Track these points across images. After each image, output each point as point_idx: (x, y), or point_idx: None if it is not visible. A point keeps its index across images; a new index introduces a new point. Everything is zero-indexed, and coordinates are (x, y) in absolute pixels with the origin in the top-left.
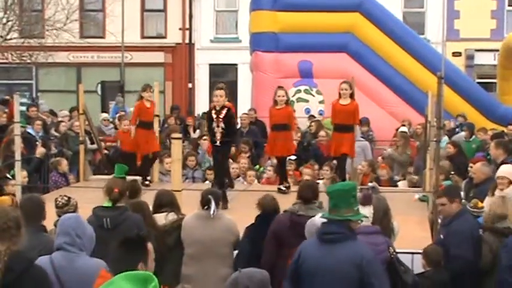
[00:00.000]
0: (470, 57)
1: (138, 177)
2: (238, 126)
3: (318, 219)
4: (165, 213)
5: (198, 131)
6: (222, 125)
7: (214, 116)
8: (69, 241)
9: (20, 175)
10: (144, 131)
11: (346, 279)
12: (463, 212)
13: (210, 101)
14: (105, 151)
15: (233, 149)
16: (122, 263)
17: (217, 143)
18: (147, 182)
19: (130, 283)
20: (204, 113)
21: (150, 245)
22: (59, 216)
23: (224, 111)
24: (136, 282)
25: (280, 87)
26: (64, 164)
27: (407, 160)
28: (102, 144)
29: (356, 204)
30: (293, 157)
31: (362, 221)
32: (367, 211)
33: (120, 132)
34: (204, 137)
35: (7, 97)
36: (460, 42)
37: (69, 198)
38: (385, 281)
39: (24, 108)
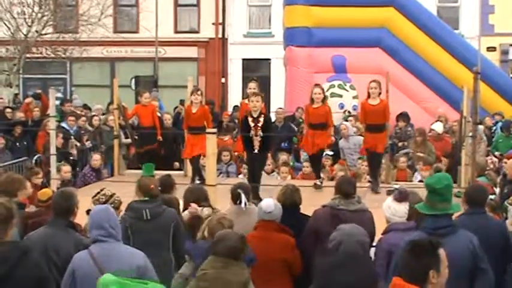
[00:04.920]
0: (505, 52)
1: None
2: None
3: (264, 204)
4: (200, 208)
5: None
6: (260, 133)
7: (252, 123)
8: (105, 233)
9: (55, 168)
10: (192, 136)
11: (464, 269)
12: None
13: (243, 96)
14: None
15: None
16: (412, 268)
17: (256, 151)
18: (198, 182)
19: None
20: (236, 106)
21: (442, 252)
22: None
23: (262, 119)
24: None
25: (317, 85)
26: (96, 159)
27: (434, 160)
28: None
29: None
30: (330, 152)
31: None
32: (403, 208)
33: (139, 106)
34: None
35: (39, 91)
36: (495, 37)
37: (100, 190)
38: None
39: (58, 102)
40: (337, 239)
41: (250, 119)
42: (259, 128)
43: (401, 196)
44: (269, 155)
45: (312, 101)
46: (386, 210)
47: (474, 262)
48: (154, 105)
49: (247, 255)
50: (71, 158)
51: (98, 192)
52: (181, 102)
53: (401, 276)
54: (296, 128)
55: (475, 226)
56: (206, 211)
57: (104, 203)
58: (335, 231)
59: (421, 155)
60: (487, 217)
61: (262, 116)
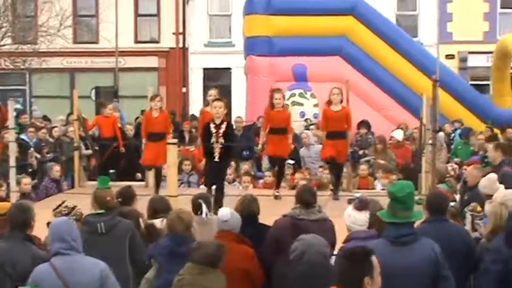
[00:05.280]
0: (463, 60)
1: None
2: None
3: (220, 213)
4: (160, 219)
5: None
6: (221, 140)
7: (213, 130)
8: (66, 246)
9: (15, 181)
10: (153, 143)
11: (426, 277)
12: None
13: (204, 104)
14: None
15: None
16: (348, 276)
17: (216, 159)
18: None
19: None
20: (193, 115)
21: (375, 259)
22: None
23: (224, 126)
24: None
25: (277, 90)
26: (56, 170)
27: (394, 167)
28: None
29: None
30: (291, 161)
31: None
32: (363, 216)
33: (100, 117)
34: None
35: None
36: (453, 44)
37: (62, 203)
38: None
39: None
40: (298, 249)
41: (212, 126)
42: (220, 135)
43: (361, 205)
44: (231, 163)
45: (272, 105)
46: (347, 218)
47: (436, 270)
48: (115, 116)
49: None
50: (30, 169)
51: (60, 205)
52: (143, 112)
53: (338, 284)
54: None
55: (437, 233)
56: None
57: (66, 215)
58: (296, 242)
59: (382, 162)
60: (448, 224)
61: (225, 123)
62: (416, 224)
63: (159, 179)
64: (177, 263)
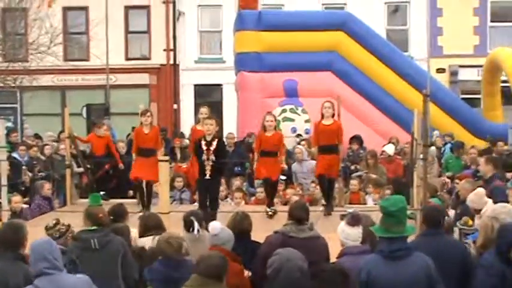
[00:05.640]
0: (454, 74)
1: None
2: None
3: (211, 227)
4: (151, 237)
5: None
6: (212, 157)
7: (204, 147)
8: (50, 265)
9: (6, 200)
10: (143, 158)
11: None
12: None
13: (195, 121)
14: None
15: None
16: None
17: (207, 177)
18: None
19: None
20: (181, 132)
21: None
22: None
23: (215, 143)
24: None
25: (269, 113)
26: (47, 188)
27: (385, 181)
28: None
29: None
30: (283, 177)
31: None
32: (356, 231)
33: (94, 136)
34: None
35: None
36: (444, 58)
37: (57, 222)
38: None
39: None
40: (275, 264)
41: (203, 143)
42: (211, 152)
43: (353, 220)
44: (222, 181)
45: (265, 128)
46: (340, 234)
47: (429, 284)
48: (109, 135)
49: None
50: (23, 188)
51: (54, 226)
52: (133, 129)
53: None
54: (248, 154)
55: (433, 246)
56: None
57: (63, 234)
58: (273, 256)
59: (373, 176)
60: (444, 237)
61: (216, 140)
62: (412, 237)
63: (150, 195)
64: None
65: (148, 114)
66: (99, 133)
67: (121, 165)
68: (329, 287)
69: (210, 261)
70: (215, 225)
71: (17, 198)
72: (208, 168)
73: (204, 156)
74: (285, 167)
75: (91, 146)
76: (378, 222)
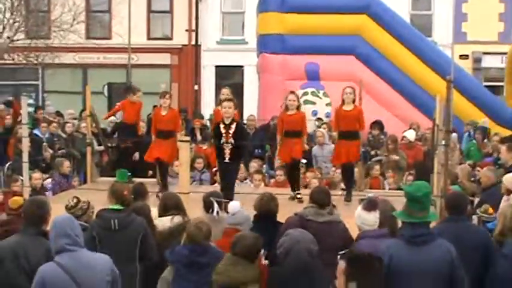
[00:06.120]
0: (477, 60)
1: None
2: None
3: (230, 205)
4: (170, 217)
5: None
6: (231, 140)
7: (223, 130)
8: (71, 242)
9: (28, 177)
10: (160, 140)
11: (441, 277)
12: None
13: (216, 103)
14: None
15: (242, 166)
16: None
17: (226, 160)
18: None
19: None
20: (200, 113)
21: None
22: None
23: (234, 126)
24: None
25: (291, 92)
26: (66, 165)
27: (405, 166)
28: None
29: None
30: (303, 160)
31: None
32: (372, 216)
33: (127, 102)
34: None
35: (11, 98)
36: (468, 44)
37: (78, 201)
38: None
39: (30, 109)
40: (284, 245)
41: (221, 126)
42: (230, 136)
43: (370, 205)
44: (242, 165)
45: (287, 108)
46: (357, 218)
47: (451, 271)
48: (141, 102)
49: None
50: (43, 164)
51: (76, 205)
52: (155, 108)
53: None
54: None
55: (456, 232)
56: (176, 219)
57: (84, 212)
58: (283, 237)
59: (395, 157)
60: (467, 224)
61: (235, 123)
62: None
63: (166, 176)
64: (195, 273)
65: (167, 96)
66: (133, 99)
67: (142, 132)
68: (365, 272)
69: (244, 242)
70: (234, 205)
71: (37, 175)
72: (227, 151)
73: (223, 140)
74: (307, 147)
75: (123, 114)
76: (401, 207)
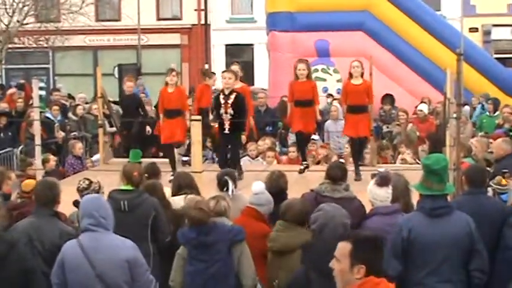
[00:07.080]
0: (487, 33)
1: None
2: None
3: (254, 185)
4: (184, 196)
5: None
6: (230, 111)
7: (222, 101)
8: (94, 222)
9: (40, 159)
10: (169, 120)
11: (460, 249)
12: None
13: None
14: None
15: (243, 137)
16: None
17: (226, 131)
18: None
19: None
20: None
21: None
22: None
23: (233, 96)
24: None
25: (300, 60)
26: (78, 147)
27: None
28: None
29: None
30: (316, 137)
31: None
32: (383, 192)
33: (204, 86)
34: None
35: (22, 81)
36: (477, 17)
37: (90, 182)
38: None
39: (42, 92)
40: (319, 220)
41: (221, 97)
42: (229, 106)
43: (382, 180)
44: (243, 136)
45: (296, 77)
46: (369, 193)
47: (470, 243)
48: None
49: None
50: (55, 145)
51: (88, 186)
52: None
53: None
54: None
55: (476, 205)
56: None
57: (83, 191)
58: (316, 212)
59: (407, 131)
60: (487, 197)
61: (234, 93)
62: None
63: (173, 156)
64: (205, 253)
65: (174, 73)
66: (209, 83)
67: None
68: (373, 254)
69: (294, 208)
70: (258, 185)
71: (52, 157)
72: (226, 123)
73: (222, 110)
74: (320, 118)
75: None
76: (414, 182)
